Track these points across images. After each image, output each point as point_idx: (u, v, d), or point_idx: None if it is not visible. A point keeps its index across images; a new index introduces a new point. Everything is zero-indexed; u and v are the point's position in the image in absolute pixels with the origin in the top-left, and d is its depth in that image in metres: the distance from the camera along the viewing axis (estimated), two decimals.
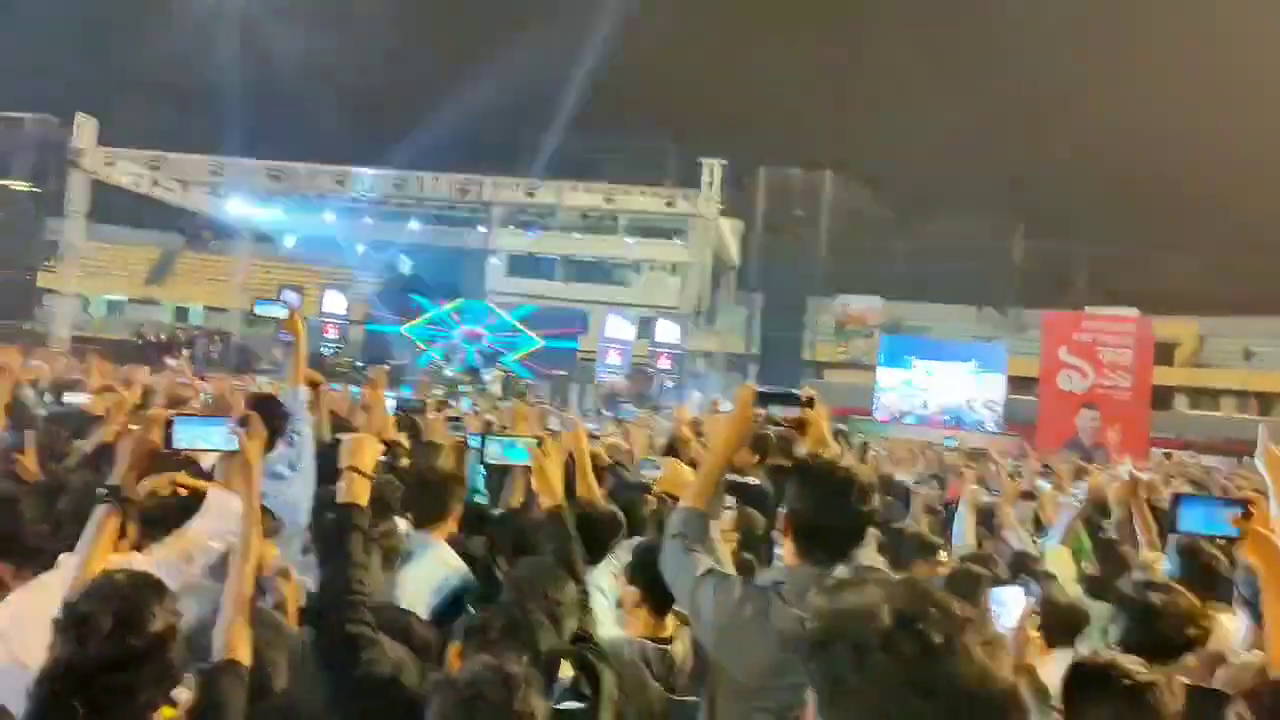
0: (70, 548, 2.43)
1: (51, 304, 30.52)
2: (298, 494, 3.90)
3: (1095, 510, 4.93)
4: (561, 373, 27.96)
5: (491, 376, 25.74)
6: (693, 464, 4.51)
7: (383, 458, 4.05)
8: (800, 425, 2.71)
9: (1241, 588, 3.17)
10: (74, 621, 1.89)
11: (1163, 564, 3.85)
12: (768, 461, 5.40)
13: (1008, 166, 40.96)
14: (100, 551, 2.41)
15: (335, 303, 32.21)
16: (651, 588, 2.93)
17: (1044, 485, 8.34)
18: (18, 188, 30.89)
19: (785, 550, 2.45)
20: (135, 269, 41.96)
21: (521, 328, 30.80)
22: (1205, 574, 3.52)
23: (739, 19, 57.64)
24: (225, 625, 2.29)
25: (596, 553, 3.49)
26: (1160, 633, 2.83)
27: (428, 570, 3.67)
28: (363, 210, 31.87)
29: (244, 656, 2.27)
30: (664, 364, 28.33)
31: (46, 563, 2.54)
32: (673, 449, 6.45)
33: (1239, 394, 35.26)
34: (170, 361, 18.58)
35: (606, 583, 3.40)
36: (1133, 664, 2.36)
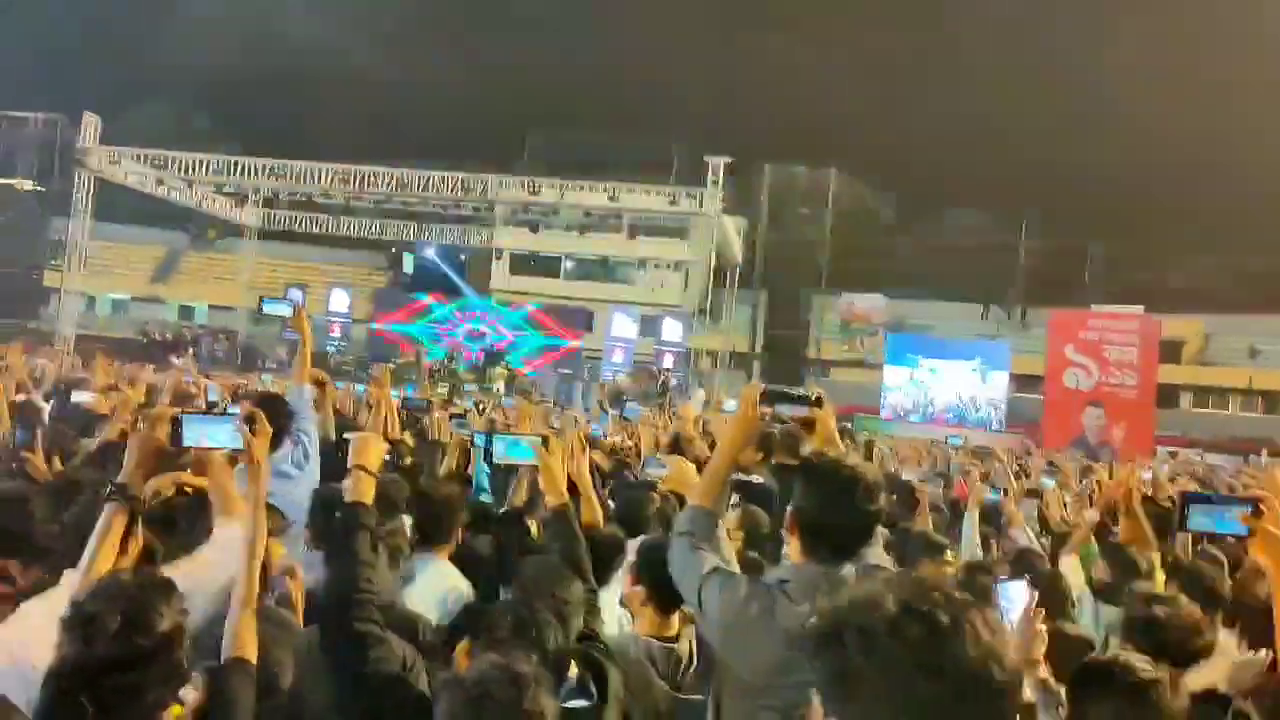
0: (83, 546, 2.43)
1: (57, 303, 30.61)
2: (304, 492, 3.91)
3: (1108, 515, 4.94)
4: (565, 371, 27.97)
5: (495, 375, 25.77)
6: (697, 462, 4.51)
7: (388, 456, 4.07)
8: (808, 424, 2.70)
9: None
10: (81, 621, 1.89)
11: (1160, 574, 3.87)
12: (772, 460, 5.40)
13: (1013, 164, 40.88)
14: (108, 550, 2.42)
15: (340, 301, 32.26)
16: (657, 586, 2.92)
17: (1048, 483, 8.34)
18: (23, 187, 30.95)
19: (791, 548, 2.45)
20: (140, 268, 42.04)
21: (525, 325, 30.83)
22: (1207, 596, 3.49)
23: (743, 16, 57.59)
24: (233, 623, 2.29)
25: (600, 574, 3.49)
26: (1166, 644, 2.82)
27: (430, 588, 3.68)
28: (367, 209, 31.89)
29: (252, 655, 2.27)
30: (668, 362, 28.34)
31: (55, 562, 2.54)
32: (678, 447, 6.45)
33: (1245, 392, 35.18)
34: (175, 360, 18.61)
35: (615, 605, 3.39)
36: (1137, 661, 2.36)
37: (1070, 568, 4.44)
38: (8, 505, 2.79)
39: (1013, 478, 7.88)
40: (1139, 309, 30.03)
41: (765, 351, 28.86)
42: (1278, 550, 2.34)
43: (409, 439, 6.65)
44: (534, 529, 4.43)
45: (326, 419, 5.16)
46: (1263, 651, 2.72)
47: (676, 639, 3.05)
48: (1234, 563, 5.18)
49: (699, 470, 3.04)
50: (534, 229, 34.03)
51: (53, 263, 31.65)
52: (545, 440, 3.70)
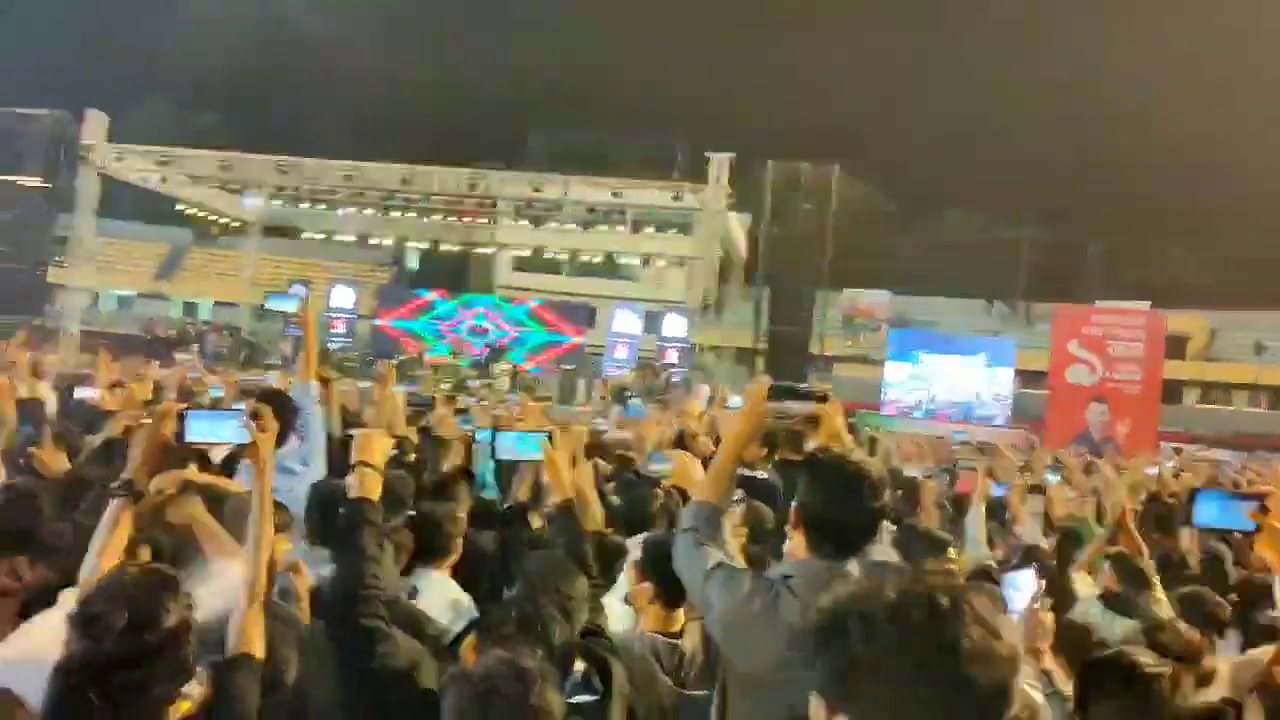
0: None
1: (62, 299, 30.64)
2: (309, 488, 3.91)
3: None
4: (568, 367, 27.96)
5: (498, 371, 25.77)
6: (702, 459, 4.51)
7: (393, 452, 4.07)
8: (814, 421, 2.70)
9: None
10: (88, 618, 1.90)
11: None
12: (777, 456, 5.40)
13: (1018, 159, 40.80)
14: (115, 545, 2.42)
15: (343, 297, 32.27)
16: (663, 581, 2.93)
17: (1052, 479, 8.34)
18: (28, 183, 30.98)
19: (795, 544, 2.45)
20: (144, 264, 42.10)
21: (528, 321, 30.84)
22: (1208, 622, 3.46)
23: (746, 14, 57.48)
24: (239, 619, 2.29)
25: (604, 579, 3.49)
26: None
27: (433, 603, 3.68)
28: (370, 205, 31.86)
29: (258, 650, 2.27)
30: (671, 358, 28.31)
31: (63, 560, 2.55)
32: (682, 443, 6.45)
33: (1250, 388, 35.12)
34: (180, 356, 18.63)
35: (619, 608, 3.39)
36: (1143, 657, 2.36)
37: (1083, 582, 4.43)
38: (16, 502, 2.81)
39: (1017, 473, 7.87)
40: (1144, 304, 29.99)
41: (768, 347, 28.80)
42: None
43: (413, 435, 6.65)
44: (536, 524, 4.44)
45: (331, 415, 5.16)
46: (1263, 649, 2.71)
47: (681, 635, 3.05)
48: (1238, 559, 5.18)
49: (704, 466, 3.04)
50: (537, 225, 34.00)
51: (57, 259, 31.67)
52: (550, 436, 3.71)
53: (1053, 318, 29.22)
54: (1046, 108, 48.94)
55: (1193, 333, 35.57)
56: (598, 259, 32.78)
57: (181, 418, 2.63)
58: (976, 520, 5.06)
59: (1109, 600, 3.80)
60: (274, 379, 11.73)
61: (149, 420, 2.72)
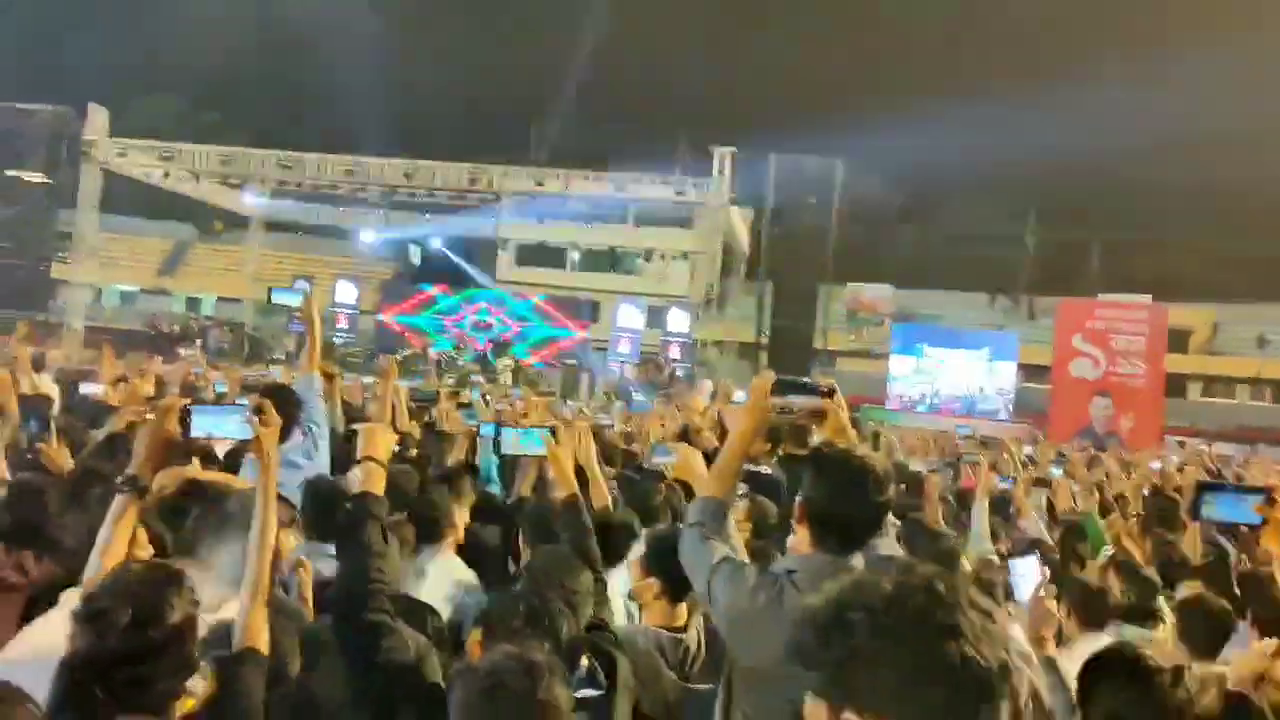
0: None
1: (65, 295, 30.70)
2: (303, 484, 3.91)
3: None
4: (571, 362, 27.97)
5: (501, 366, 25.79)
6: (705, 454, 4.51)
7: (396, 447, 4.07)
8: (820, 416, 2.69)
9: None
10: (93, 614, 1.90)
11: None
12: (781, 451, 5.40)
13: (1020, 154, 40.72)
14: (120, 541, 2.43)
15: (346, 293, 32.29)
16: (669, 576, 2.93)
17: (1056, 472, 8.33)
18: (30, 179, 30.98)
19: (799, 538, 2.45)
20: (147, 260, 42.12)
21: (531, 316, 30.85)
22: (1210, 635, 3.38)
23: (749, 5, 57.38)
24: (244, 613, 2.29)
25: (611, 560, 3.50)
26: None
27: (439, 583, 3.69)
28: (373, 200, 31.90)
29: (263, 645, 2.28)
30: (674, 353, 28.32)
31: (68, 555, 2.55)
32: (686, 438, 6.45)
33: (1253, 381, 35.08)
34: (183, 351, 18.65)
35: (623, 588, 3.39)
36: (1145, 650, 2.36)
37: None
38: (23, 497, 2.81)
39: (1021, 467, 7.87)
40: (1147, 298, 29.93)
41: (771, 342, 28.78)
42: None
43: (416, 430, 6.66)
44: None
45: (335, 410, 5.17)
46: (1265, 642, 2.71)
47: (684, 629, 3.05)
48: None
49: (708, 461, 3.04)
50: (540, 220, 34.00)
51: (60, 255, 31.71)
52: (554, 431, 3.71)
53: (1056, 312, 29.17)
54: (1050, 101, 48.81)
55: (1196, 326, 35.52)
56: (600, 253, 32.82)
57: (185, 413, 2.63)
58: (980, 514, 5.06)
59: (1124, 613, 3.76)
60: (278, 374, 11.75)
61: (152, 416, 2.72)
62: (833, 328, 35.20)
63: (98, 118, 27.40)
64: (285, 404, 3.63)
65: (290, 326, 28.13)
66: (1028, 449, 11.52)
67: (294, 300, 4.54)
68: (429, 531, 3.84)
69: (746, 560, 2.50)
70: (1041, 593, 2.76)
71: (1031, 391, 29.19)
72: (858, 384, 27.25)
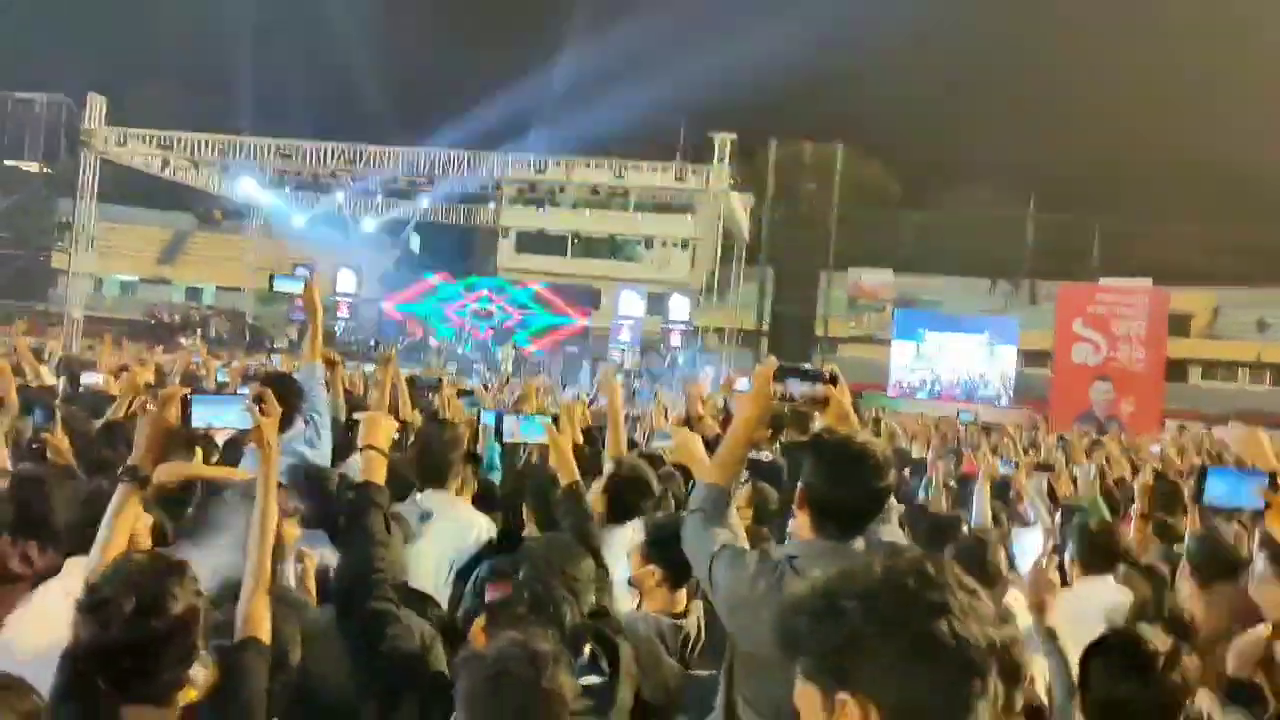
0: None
1: (65, 285, 30.67)
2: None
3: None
4: (572, 349, 28.01)
5: (502, 354, 25.80)
6: (706, 441, 4.50)
7: (397, 435, 4.06)
8: (823, 402, 2.69)
9: None
10: (95, 604, 1.90)
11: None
12: (782, 437, 5.40)
13: (1020, 138, 40.62)
14: (122, 531, 2.43)
15: (347, 281, 32.28)
16: (669, 562, 2.93)
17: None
18: (30, 169, 30.94)
19: (800, 524, 2.45)
20: (147, 249, 42.05)
21: (532, 304, 30.84)
22: (1221, 566, 3.34)
23: None
24: (246, 602, 2.30)
25: (623, 515, 3.51)
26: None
27: (449, 527, 3.69)
28: (373, 188, 31.82)
29: (265, 634, 2.28)
30: (675, 340, 28.33)
31: (72, 547, 2.56)
32: (687, 425, 6.44)
33: (1253, 365, 35.07)
34: (184, 341, 18.65)
35: (625, 550, 3.39)
36: (1147, 633, 2.36)
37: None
38: (27, 487, 2.81)
39: (1022, 452, 7.88)
40: (1147, 282, 29.90)
41: (772, 328, 28.78)
42: None
43: (417, 418, 6.65)
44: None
45: (336, 398, 5.16)
46: (1262, 625, 2.71)
47: (684, 615, 3.06)
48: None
49: (709, 449, 3.03)
50: (540, 207, 33.96)
51: (60, 244, 31.68)
52: (555, 419, 3.71)
53: (1056, 296, 29.15)
54: (1050, 86, 48.66)
55: (1196, 310, 35.49)
56: (601, 241, 32.77)
57: (185, 403, 2.62)
58: (981, 497, 5.07)
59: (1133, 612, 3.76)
60: (279, 363, 11.75)
61: (153, 406, 2.71)
62: (834, 314, 35.19)
63: (97, 106, 27.29)
64: (286, 392, 3.62)
65: (291, 315, 28.13)
66: (1029, 434, 11.53)
67: (295, 287, 4.52)
68: (433, 469, 3.82)
69: (747, 546, 2.50)
70: (1044, 563, 2.77)
71: (1032, 377, 29.20)
72: (859, 370, 27.26)
